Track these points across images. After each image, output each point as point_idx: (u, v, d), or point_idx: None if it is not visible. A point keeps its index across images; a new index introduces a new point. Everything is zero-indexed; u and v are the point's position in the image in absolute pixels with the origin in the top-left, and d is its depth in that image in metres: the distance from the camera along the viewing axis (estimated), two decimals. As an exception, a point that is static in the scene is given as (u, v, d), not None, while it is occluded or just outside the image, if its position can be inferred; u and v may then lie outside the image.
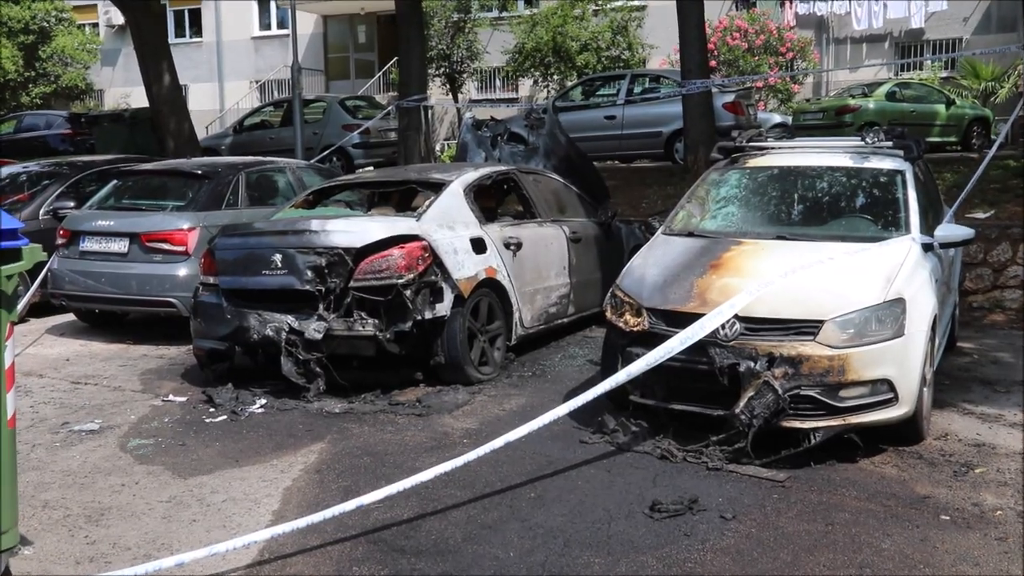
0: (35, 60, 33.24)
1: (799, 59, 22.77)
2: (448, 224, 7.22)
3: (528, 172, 8.89)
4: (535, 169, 9.40)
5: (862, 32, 23.31)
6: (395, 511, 4.79)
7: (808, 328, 5.32)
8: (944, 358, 7.57)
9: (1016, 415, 6.28)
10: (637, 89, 16.10)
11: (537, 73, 24.84)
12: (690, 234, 6.61)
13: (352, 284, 6.70)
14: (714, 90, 14.51)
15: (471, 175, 7.88)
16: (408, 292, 6.67)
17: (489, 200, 8.49)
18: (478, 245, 7.33)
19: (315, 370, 6.81)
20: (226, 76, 33.31)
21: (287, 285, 6.85)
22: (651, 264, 6.22)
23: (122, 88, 33.91)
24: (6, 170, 12.29)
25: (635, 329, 5.82)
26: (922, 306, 5.58)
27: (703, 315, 5.38)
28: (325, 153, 14.74)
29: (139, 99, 31.99)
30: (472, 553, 4.35)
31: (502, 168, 8.67)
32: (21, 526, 4.57)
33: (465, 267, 7.08)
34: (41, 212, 10.48)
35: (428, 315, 6.81)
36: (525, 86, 26.90)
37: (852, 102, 18.32)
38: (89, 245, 9.16)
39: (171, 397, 7.14)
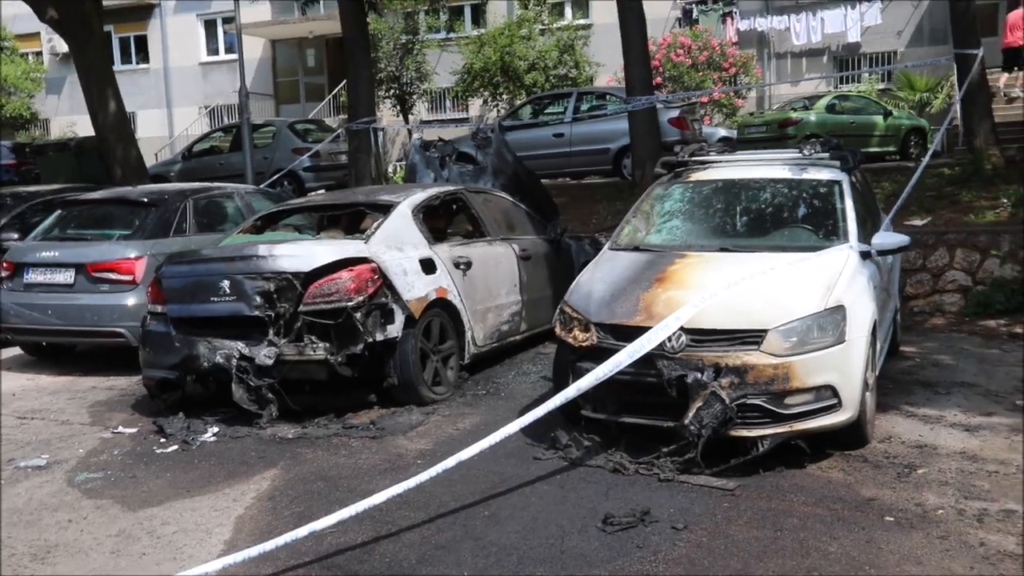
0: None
1: (742, 74, 23.13)
2: (397, 245, 7.21)
3: (476, 191, 8.91)
4: (483, 188, 9.44)
5: (801, 47, 23.76)
6: (349, 535, 4.75)
7: (752, 338, 5.39)
8: (887, 362, 7.70)
9: (956, 416, 6.41)
10: (584, 107, 16.25)
11: (486, 93, 24.93)
12: (636, 248, 6.66)
13: (302, 308, 6.66)
14: (659, 106, 14.67)
15: (419, 196, 7.88)
16: (358, 315, 6.64)
17: (438, 220, 8.52)
18: (428, 265, 7.32)
19: (267, 396, 6.75)
20: (174, 102, 33.04)
21: (236, 311, 6.79)
22: (598, 279, 6.26)
23: (68, 116, 33.47)
24: None
25: (584, 344, 5.85)
26: (862, 312, 5.68)
27: (650, 328, 5.45)
28: (275, 177, 14.66)
29: (86, 127, 31.42)
30: (425, 574, 4.34)
31: (450, 188, 8.68)
32: (-35, 568, 4.51)
33: (415, 288, 7.08)
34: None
35: (379, 337, 6.79)
36: (475, 106, 26.98)
37: (794, 115, 18.61)
38: (34, 277, 9.00)
39: (121, 429, 6.99)
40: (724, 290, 5.58)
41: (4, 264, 9.28)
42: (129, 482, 5.87)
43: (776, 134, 18.20)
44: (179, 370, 7.00)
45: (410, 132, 22.94)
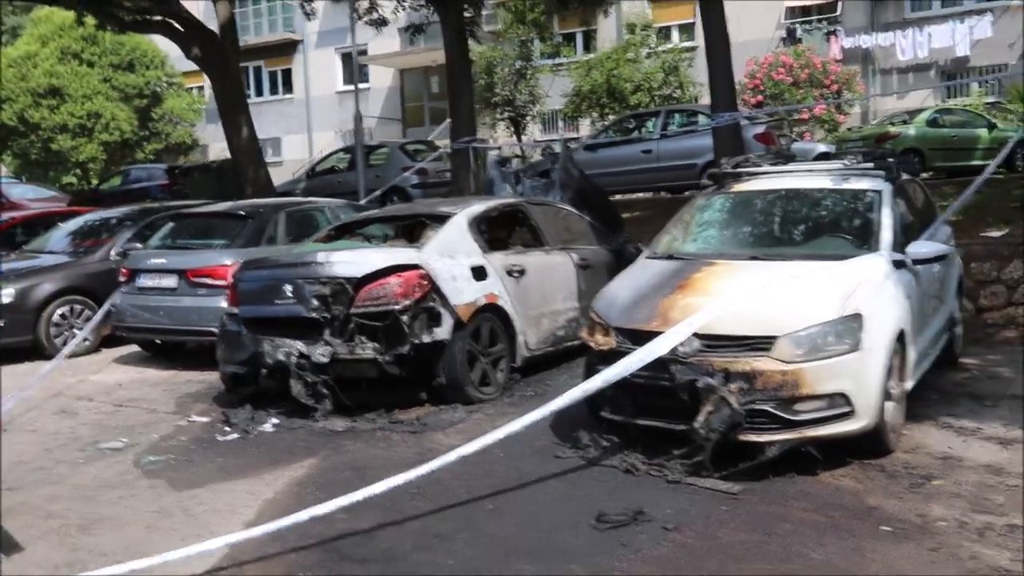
0: (148, 120, 34.83)
1: (844, 90, 22.20)
2: (449, 254, 7.22)
3: (538, 204, 8.84)
4: (546, 201, 9.37)
5: (907, 62, 22.67)
6: (357, 522, 4.78)
7: (762, 344, 5.15)
8: (940, 373, 7.27)
9: (996, 428, 5.95)
10: (672, 124, 15.97)
11: (594, 114, 24.81)
12: (670, 257, 6.48)
13: (353, 311, 6.76)
14: (745, 122, 14.26)
15: (476, 208, 7.88)
16: (405, 317, 6.69)
17: (499, 231, 8.48)
18: (479, 272, 7.31)
19: (322, 391, 6.87)
20: (314, 127, 34.26)
21: (296, 313, 6.95)
22: (624, 286, 6.12)
23: (223, 143, 35.03)
24: (91, 216, 12.85)
25: (603, 348, 5.74)
26: (884, 321, 5.35)
27: (661, 332, 5.29)
28: (376, 193, 14.92)
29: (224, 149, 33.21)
30: (415, 561, 4.33)
31: (510, 201, 8.66)
32: (22, 534, 4.75)
33: (464, 293, 7.07)
34: (112, 253, 10.85)
35: (427, 339, 6.81)
36: (584, 126, 26.89)
37: (892, 129, 17.77)
38: (145, 281, 9.46)
39: (195, 418, 7.26)
40: (741, 297, 5.37)
41: (123, 270, 9.79)
42: (185, 465, 6.09)
43: (873, 148, 17.39)
44: (247, 366, 7.21)
45: (522, 151, 22.98)
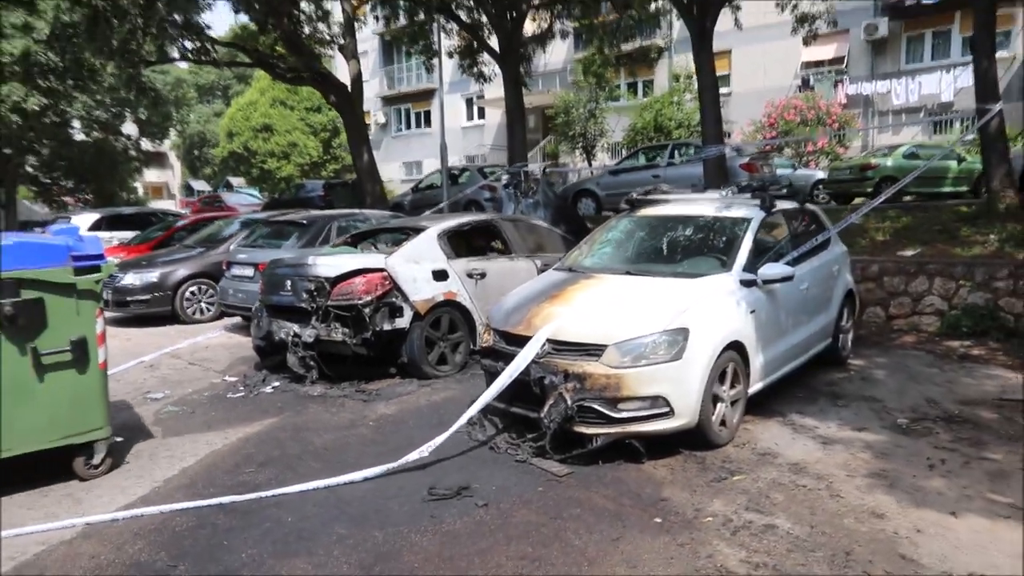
0: (330, 148, 35.71)
1: (845, 127, 20.26)
2: (415, 259, 6.80)
3: (511, 220, 8.21)
4: (519, 217, 8.73)
5: (901, 105, 20.43)
6: (257, 477, 4.47)
7: (595, 351, 4.52)
8: (822, 373, 6.39)
9: (829, 428, 5.09)
10: (677, 154, 14.88)
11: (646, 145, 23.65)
12: (569, 269, 5.85)
13: (329, 303, 6.46)
14: (732, 153, 13.15)
15: (448, 224, 7.40)
16: (367, 310, 6.35)
17: (476, 240, 7.96)
18: (440, 275, 6.86)
19: (309, 363, 6.62)
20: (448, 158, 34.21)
21: (293, 302, 6.72)
22: (516, 293, 5.54)
23: (380, 164, 35.56)
24: (223, 220, 13.06)
25: (485, 345, 5.21)
26: (711, 334, 4.62)
27: (528, 336, 4.75)
28: (443, 204, 14.58)
29: (388, 171, 33.69)
30: (266, 516, 3.96)
31: (482, 217, 8.09)
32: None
33: (422, 291, 6.65)
34: (229, 248, 10.91)
35: (387, 327, 6.45)
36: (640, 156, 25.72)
37: (873, 160, 16.07)
38: (235, 271, 9.44)
39: (227, 378, 7.10)
40: (591, 308, 4.76)
41: (224, 262, 9.83)
42: (187, 416, 5.91)
43: (858, 176, 15.87)
44: (265, 340, 7.04)
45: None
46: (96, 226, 16.36)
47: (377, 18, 19.75)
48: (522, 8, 15.77)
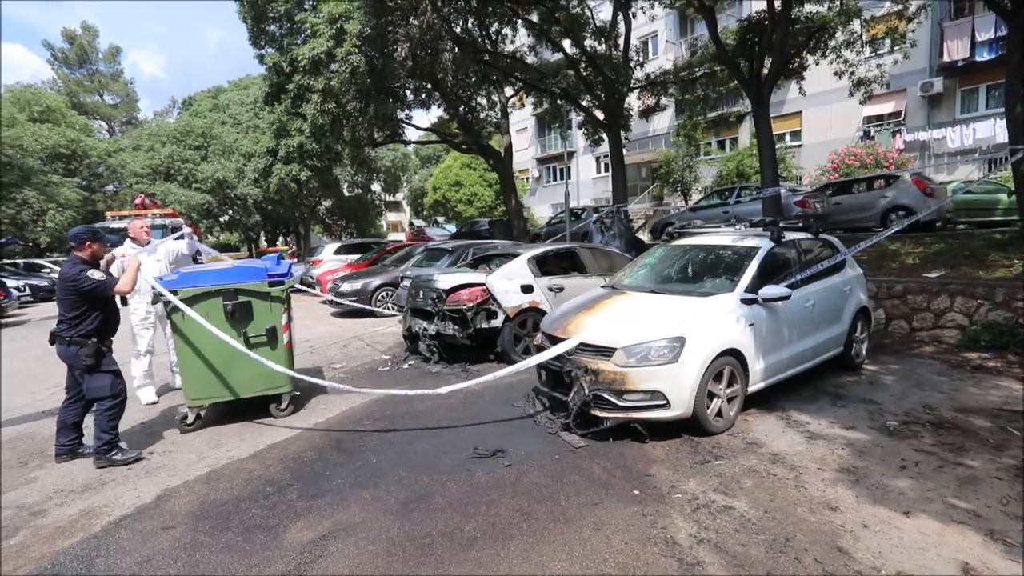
0: (499, 195, 36.52)
1: (900, 168, 17.35)
2: (508, 277, 6.69)
3: (588, 247, 7.83)
4: (596, 245, 8.28)
5: (956, 148, 17.15)
6: (362, 426, 4.56)
7: (607, 352, 4.16)
8: (834, 376, 5.45)
9: (819, 424, 4.30)
10: (743, 194, 13.50)
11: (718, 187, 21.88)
12: (612, 287, 5.46)
13: (444, 308, 6.53)
14: (788, 193, 11.72)
15: (537, 251, 7.20)
16: (469, 314, 6.34)
17: (562, 263, 7.68)
18: (527, 288, 6.68)
19: (433, 349, 6.72)
20: (581, 200, 33.81)
21: (422, 306, 6.86)
22: (566, 304, 5.23)
23: (536, 207, 36.03)
24: (408, 247, 13.60)
25: (536, 343, 4.99)
26: (704, 344, 4.09)
27: (563, 338, 4.48)
28: (538, 230, 14.26)
29: (541, 211, 33.99)
30: (363, 457, 4.01)
31: (566, 246, 7.73)
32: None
33: (512, 300, 6.52)
34: (406, 266, 11.41)
35: (484, 325, 6.39)
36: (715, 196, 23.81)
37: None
38: (404, 282, 9.72)
39: (383, 356, 7.28)
40: (612, 319, 4.39)
41: (400, 275, 10.27)
42: (348, 380, 5.89)
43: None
44: (407, 332, 7.24)
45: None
46: (338, 251, 17.96)
47: (532, 103, 19.93)
48: (622, 91, 15.19)
